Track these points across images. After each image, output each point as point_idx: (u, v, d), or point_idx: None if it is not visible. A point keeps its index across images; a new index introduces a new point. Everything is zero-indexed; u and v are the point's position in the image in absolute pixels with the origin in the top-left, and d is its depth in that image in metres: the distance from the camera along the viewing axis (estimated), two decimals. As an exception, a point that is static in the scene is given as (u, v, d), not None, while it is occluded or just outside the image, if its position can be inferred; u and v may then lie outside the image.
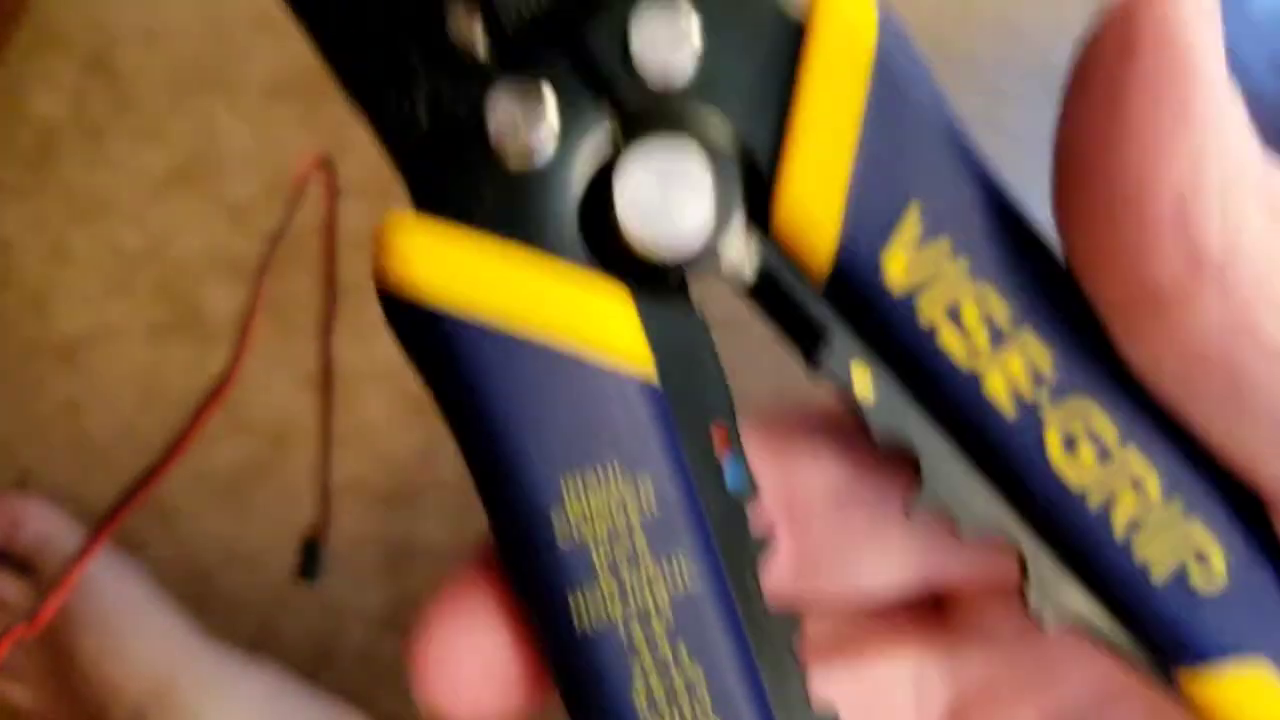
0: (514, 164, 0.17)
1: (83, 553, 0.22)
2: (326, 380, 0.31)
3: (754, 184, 0.17)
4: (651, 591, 0.17)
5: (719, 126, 0.17)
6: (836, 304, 0.18)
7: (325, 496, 0.32)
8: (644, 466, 0.17)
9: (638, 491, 0.17)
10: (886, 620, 0.22)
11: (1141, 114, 0.15)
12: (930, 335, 0.17)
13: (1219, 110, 0.16)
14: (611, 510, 0.17)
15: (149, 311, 0.77)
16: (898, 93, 0.17)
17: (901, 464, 0.18)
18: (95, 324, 0.77)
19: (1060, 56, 0.72)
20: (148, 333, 0.77)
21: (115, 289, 0.77)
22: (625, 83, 0.17)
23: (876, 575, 0.20)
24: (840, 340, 0.18)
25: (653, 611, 0.17)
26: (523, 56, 0.17)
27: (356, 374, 0.75)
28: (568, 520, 0.17)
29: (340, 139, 0.78)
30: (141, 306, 0.77)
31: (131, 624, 0.68)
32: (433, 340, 0.17)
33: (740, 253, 0.18)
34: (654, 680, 0.17)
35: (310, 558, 0.37)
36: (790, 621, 0.18)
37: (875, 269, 0.17)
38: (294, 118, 0.78)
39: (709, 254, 0.17)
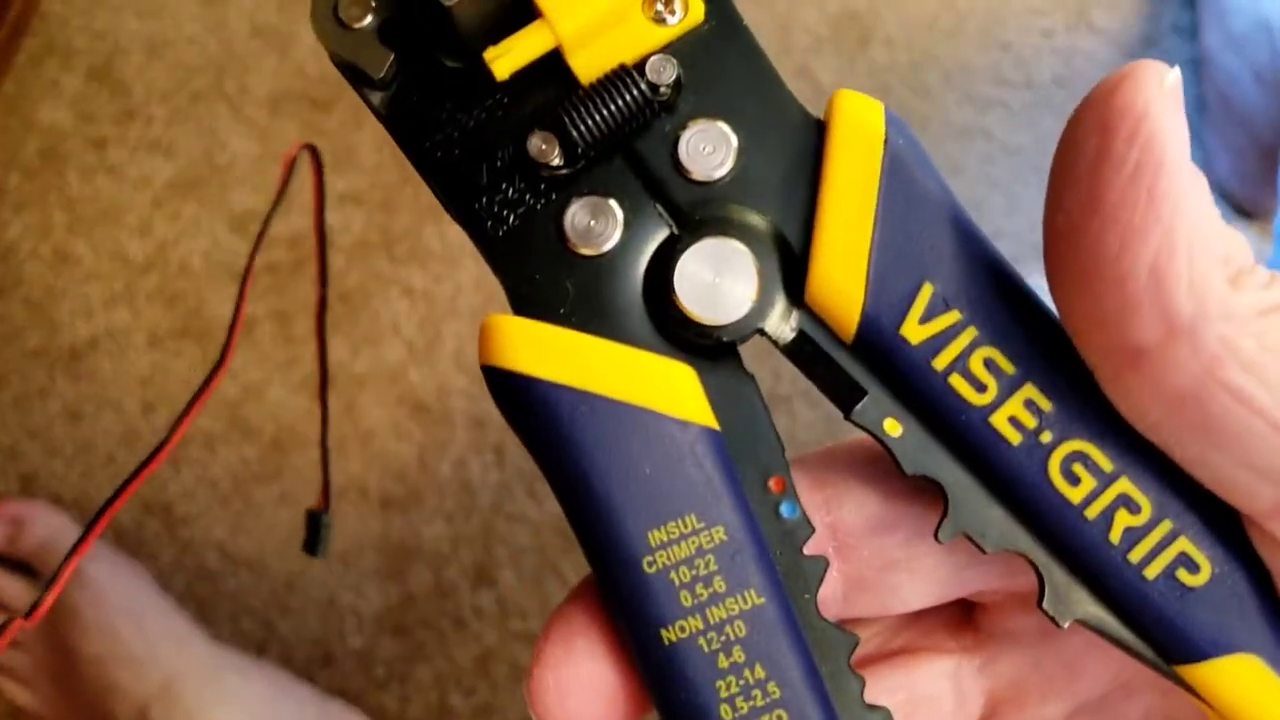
0: (586, 255, 0.21)
1: (78, 546, 0.23)
2: (322, 356, 0.32)
3: (788, 262, 0.21)
4: (729, 619, 0.20)
5: (756, 216, 0.21)
6: (862, 358, 0.21)
7: (326, 471, 0.33)
8: (717, 515, 0.20)
9: (713, 537, 0.20)
10: (923, 627, 0.25)
11: (1118, 199, 0.17)
12: (945, 380, 0.20)
13: (1184, 192, 0.17)
14: (692, 555, 0.20)
15: (151, 318, 0.77)
16: (906, 183, 0.20)
17: (929, 493, 0.21)
18: (99, 330, 0.77)
19: (1044, 69, 0.74)
20: (150, 339, 0.77)
21: (118, 296, 0.77)
22: (676, 184, 0.21)
23: (915, 591, 0.23)
24: (872, 394, 0.21)
25: (732, 636, 0.20)
26: (590, 165, 0.21)
27: (355, 379, 0.75)
28: (656, 566, 0.20)
29: (342, 148, 0.79)
30: (144, 313, 0.77)
31: (135, 626, 0.69)
32: (529, 403, 0.20)
33: (780, 321, 0.21)
34: (736, 693, 0.20)
35: (313, 531, 0.38)
36: (846, 637, 0.21)
37: (895, 334, 0.20)
38: (296, 127, 0.78)
39: (754, 323, 0.21)
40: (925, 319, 0.20)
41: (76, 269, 0.77)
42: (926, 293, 0.20)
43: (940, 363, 0.20)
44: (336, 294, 0.76)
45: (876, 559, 0.22)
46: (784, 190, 0.20)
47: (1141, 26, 0.81)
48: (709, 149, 0.21)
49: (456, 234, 0.80)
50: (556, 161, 0.20)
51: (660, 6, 0.21)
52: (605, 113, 0.20)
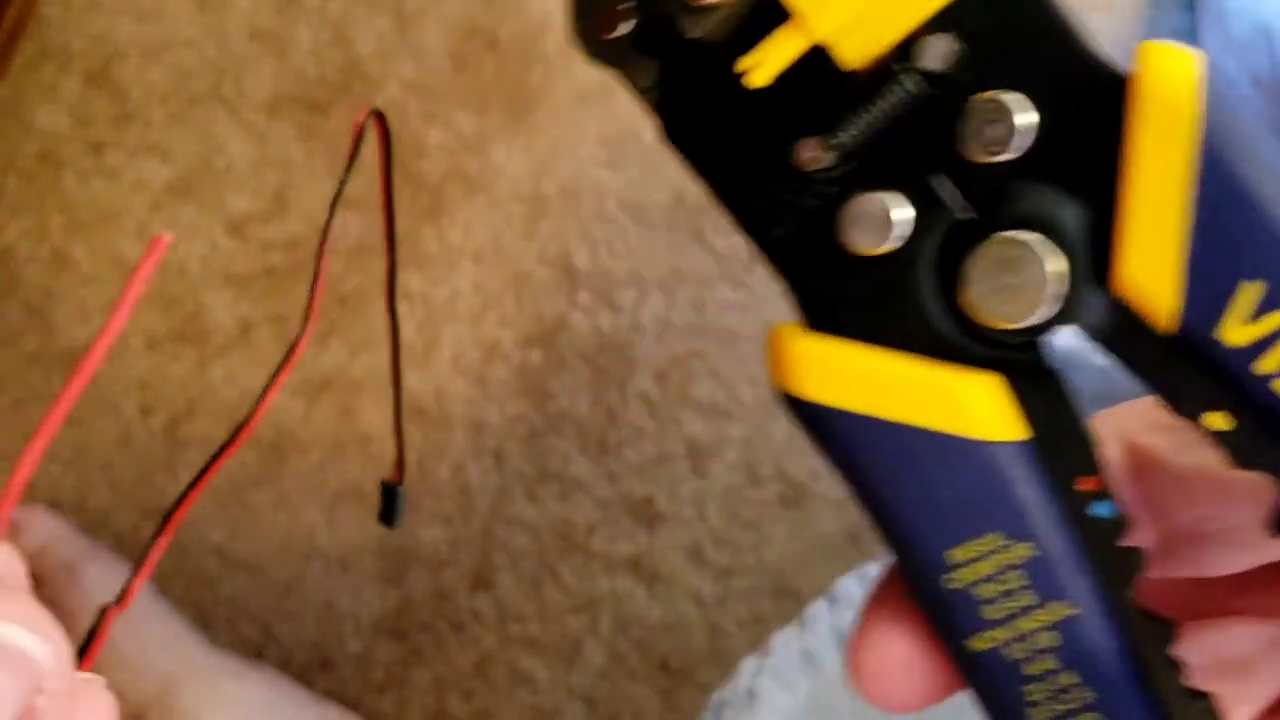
0: (870, 255, 0.19)
1: (163, 528, 0.23)
2: (393, 323, 0.33)
3: (1095, 250, 0.19)
4: (1038, 630, 0.19)
5: (1056, 199, 0.19)
6: (1180, 352, 0.19)
7: (400, 442, 0.33)
8: (1023, 531, 0.19)
9: (1020, 553, 0.19)
10: (1235, 587, 0.24)
11: None
12: (1270, 383, 0.18)
13: None
14: (996, 571, 0.19)
15: (149, 322, 0.77)
16: (1225, 158, 0.18)
17: (1256, 479, 0.19)
18: (96, 334, 0.76)
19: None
20: (148, 343, 0.76)
21: (115, 300, 0.77)
22: (962, 169, 0.19)
23: (1234, 559, 0.22)
24: (1194, 388, 0.19)
25: (1041, 645, 0.19)
26: (865, 160, 0.19)
27: (353, 383, 0.75)
28: (957, 581, 0.19)
29: (340, 151, 0.78)
30: (141, 317, 0.76)
31: (131, 631, 0.68)
32: (829, 431, 0.19)
33: (1087, 314, 0.19)
34: (1046, 698, 0.19)
35: (389, 502, 0.38)
36: (1163, 627, 0.20)
37: (1214, 333, 0.18)
38: (294, 130, 0.78)
39: (1057, 321, 0.19)
40: (1250, 318, 0.18)
41: (74, 272, 0.77)
42: (1250, 290, 0.18)
43: (1266, 365, 0.18)
44: (334, 297, 0.76)
45: (1194, 530, 0.21)
46: (1086, 167, 0.18)
47: (1139, 31, 0.80)
48: (998, 127, 0.18)
49: (455, 237, 0.79)
50: (829, 163, 0.19)
51: None
52: (875, 111, 0.19)
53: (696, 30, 0.19)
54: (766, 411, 0.72)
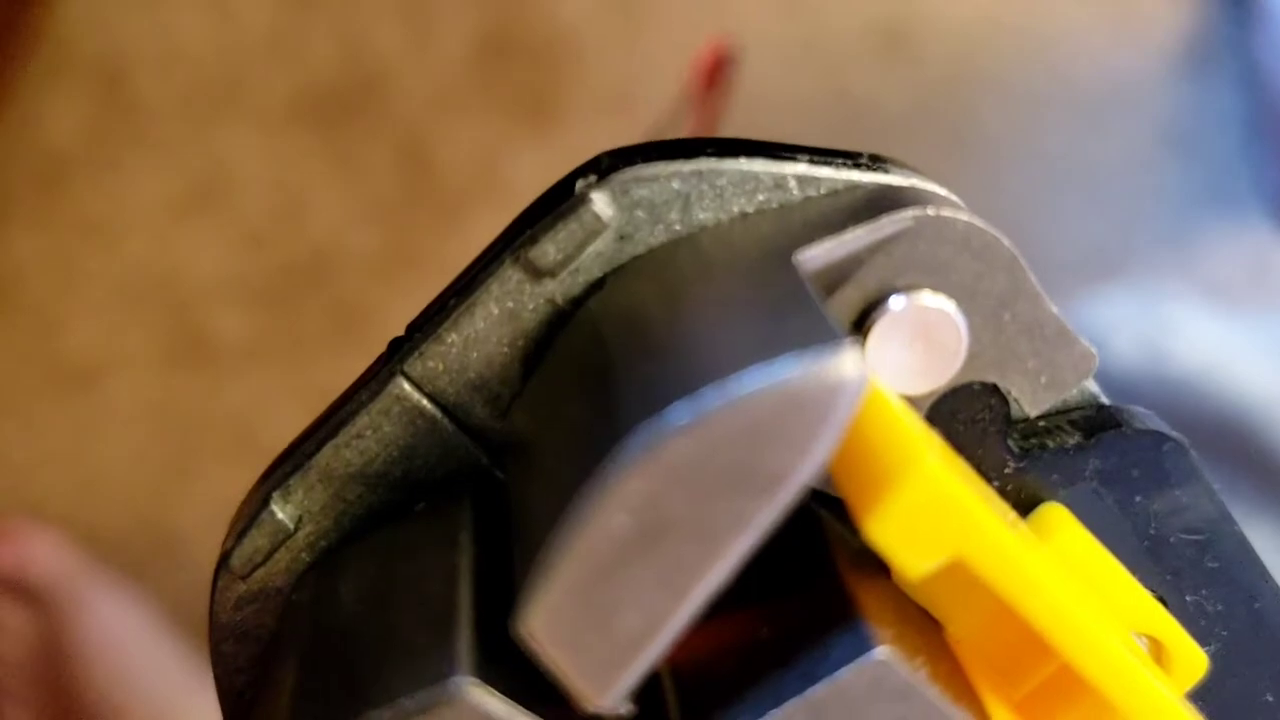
0: None
1: None
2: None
3: None
4: None
5: None
6: None
7: None
8: None
9: None
10: None
11: None
12: None
13: None
14: None
15: (161, 338, 0.76)
16: None
17: None
18: (107, 351, 0.76)
19: (1085, 83, 0.71)
20: (160, 360, 0.76)
21: (128, 316, 0.76)
22: None
23: None
24: None
25: None
26: None
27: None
28: None
29: (357, 165, 0.77)
30: (154, 334, 0.76)
31: (137, 651, 0.68)
32: None
33: None
34: None
35: None
36: None
37: None
38: (309, 142, 0.77)
39: None
40: None
41: (87, 290, 0.76)
42: None
43: None
44: (349, 312, 0.75)
45: None
46: None
47: (1188, 38, 0.79)
48: None
49: (472, 252, 0.78)
50: None
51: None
52: None
53: None
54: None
